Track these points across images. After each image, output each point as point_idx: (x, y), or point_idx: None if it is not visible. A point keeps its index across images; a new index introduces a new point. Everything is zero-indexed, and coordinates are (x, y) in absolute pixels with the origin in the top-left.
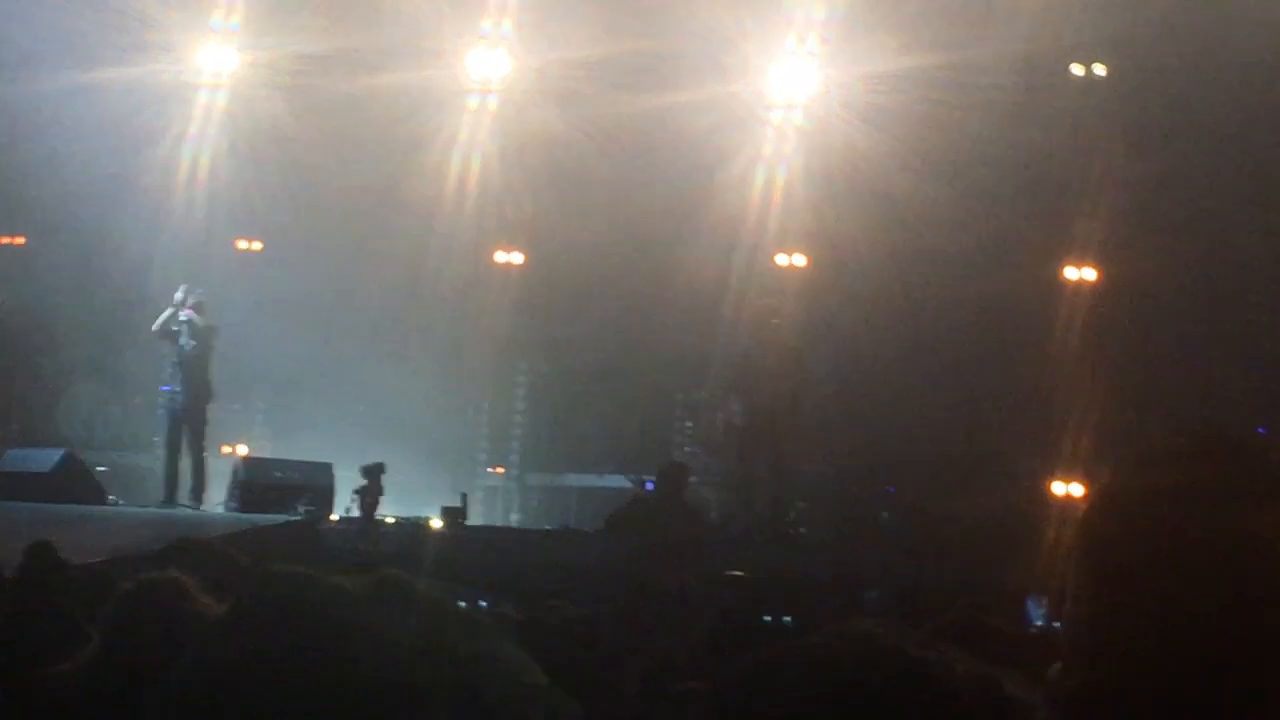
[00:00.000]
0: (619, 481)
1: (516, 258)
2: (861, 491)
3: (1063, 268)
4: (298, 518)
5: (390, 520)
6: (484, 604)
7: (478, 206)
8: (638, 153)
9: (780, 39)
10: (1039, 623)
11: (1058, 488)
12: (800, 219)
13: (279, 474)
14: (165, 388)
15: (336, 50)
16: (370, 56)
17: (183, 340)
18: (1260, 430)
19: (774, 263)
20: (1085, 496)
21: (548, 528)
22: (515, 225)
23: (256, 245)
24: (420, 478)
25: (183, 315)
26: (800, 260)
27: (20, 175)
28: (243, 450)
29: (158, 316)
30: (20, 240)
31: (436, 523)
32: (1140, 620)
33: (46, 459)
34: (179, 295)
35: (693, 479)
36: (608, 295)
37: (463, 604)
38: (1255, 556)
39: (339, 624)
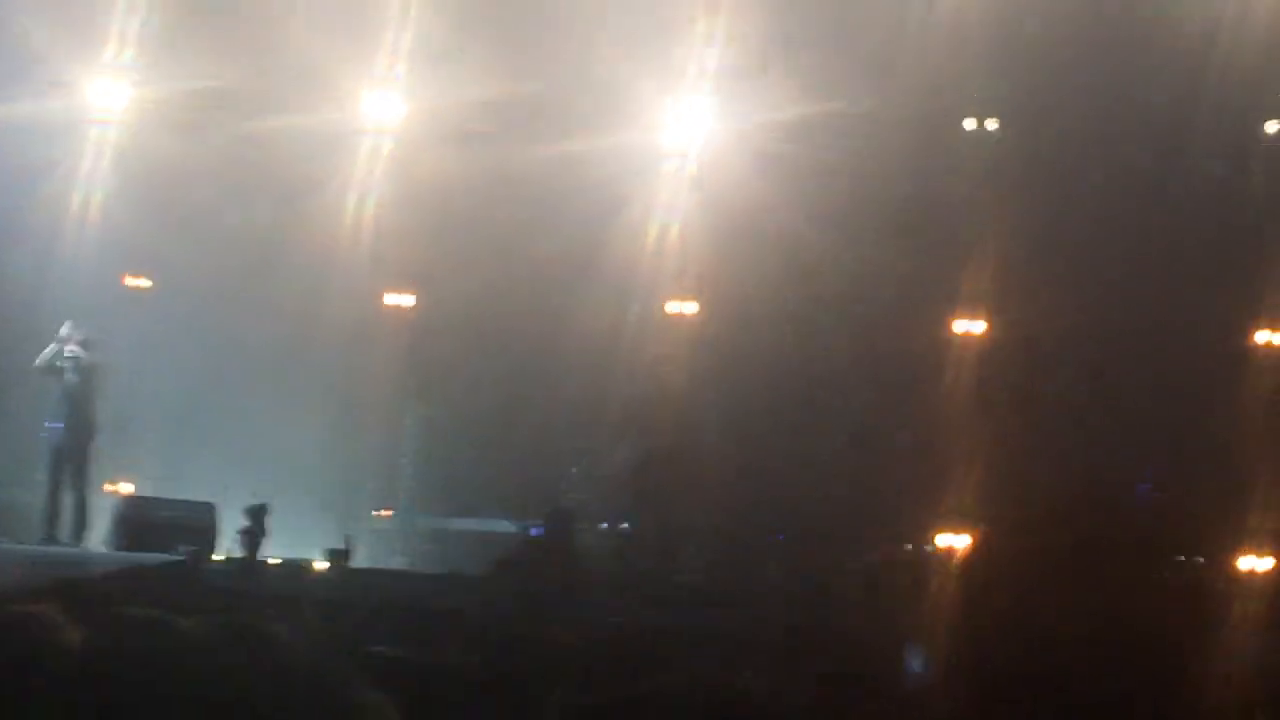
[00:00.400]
0: (506, 526)
1: (409, 300)
2: (749, 540)
3: (953, 318)
4: (178, 558)
5: (274, 562)
6: (370, 648)
7: (371, 248)
8: (533, 198)
9: (675, 86)
10: (918, 671)
11: (943, 539)
12: (694, 266)
13: (161, 513)
14: (50, 423)
15: (231, 88)
16: (265, 96)
17: (68, 376)
18: (1142, 487)
19: (666, 310)
20: (967, 550)
21: (433, 571)
22: (408, 267)
23: (145, 282)
24: (306, 520)
25: (68, 351)
26: (692, 308)
27: None
28: (125, 488)
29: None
30: None
31: (321, 565)
32: (1016, 671)
33: None
34: (64, 330)
35: (581, 525)
36: (501, 340)
37: (342, 647)
38: (1131, 611)
39: (193, 668)
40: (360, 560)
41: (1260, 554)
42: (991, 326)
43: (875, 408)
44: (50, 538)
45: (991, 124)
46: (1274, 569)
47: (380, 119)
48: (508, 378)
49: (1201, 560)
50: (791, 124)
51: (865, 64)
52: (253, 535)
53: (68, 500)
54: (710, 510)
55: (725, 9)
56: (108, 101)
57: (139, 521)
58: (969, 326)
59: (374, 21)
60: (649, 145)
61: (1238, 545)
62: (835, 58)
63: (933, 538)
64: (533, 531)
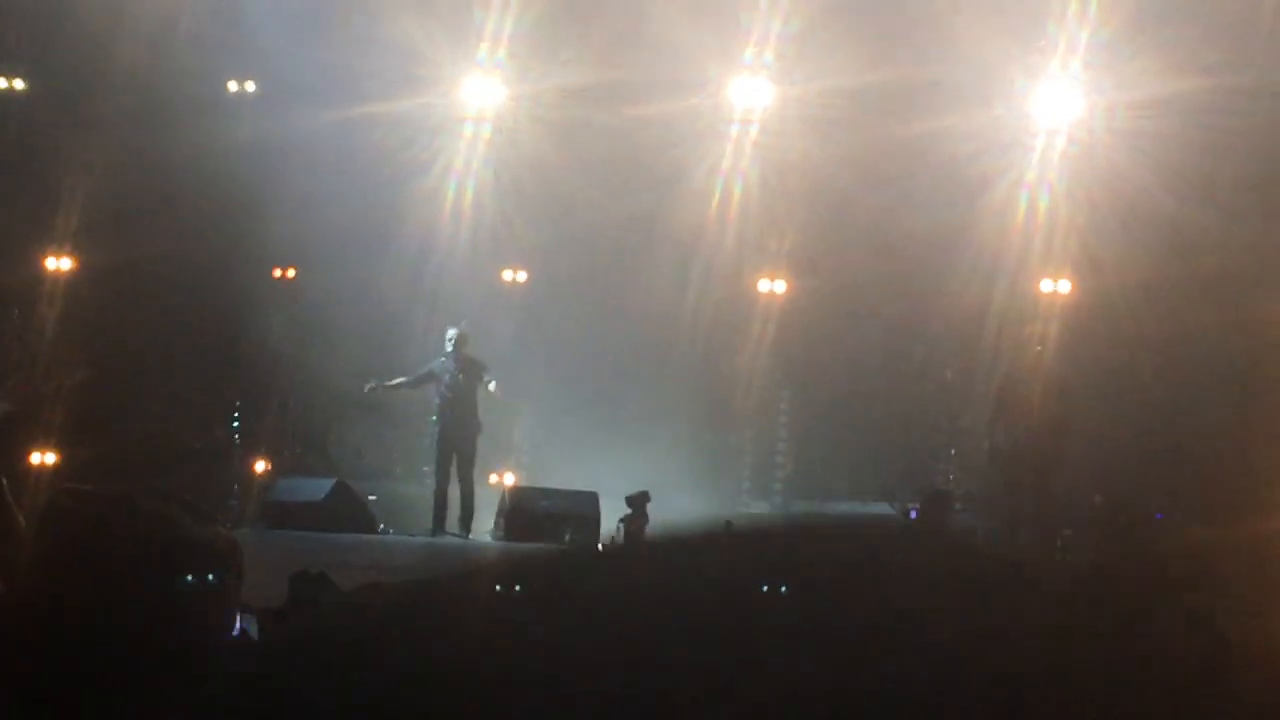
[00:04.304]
0: (883, 509)
1: (779, 285)
2: (1130, 519)
3: None
4: (563, 547)
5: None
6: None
7: (738, 235)
8: (899, 179)
9: (1044, 63)
10: None
11: None
12: (1064, 244)
13: (545, 503)
14: (435, 419)
15: (599, 83)
16: (633, 88)
17: (449, 373)
18: None
19: (1037, 289)
20: None
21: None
22: (776, 253)
23: (521, 276)
24: (684, 506)
25: (448, 346)
26: (1065, 286)
27: (292, 209)
28: (509, 479)
29: (427, 347)
30: (292, 273)
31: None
32: None
33: (318, 488)
34: (450, 333)
35: (957, 507)
36: (870, 322)
37: None
38: None
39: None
40: None
41: None
42: None
43: (1258, 383)
44: (438, 529)
45: None
46: None
47: (748, 106)
48: (879, 359)
49: None
50: (1161, 99)
51: (1235, 36)
52: (634, 523)
53: (455, 493)
54: (1088, 489)
55: None
56: (481, 99)
57: (524, 511)
58: None
59: (739, 7)
60: (1017, 123)
61: None
62: (1204, 31)
63: None
64: (911, 514)
